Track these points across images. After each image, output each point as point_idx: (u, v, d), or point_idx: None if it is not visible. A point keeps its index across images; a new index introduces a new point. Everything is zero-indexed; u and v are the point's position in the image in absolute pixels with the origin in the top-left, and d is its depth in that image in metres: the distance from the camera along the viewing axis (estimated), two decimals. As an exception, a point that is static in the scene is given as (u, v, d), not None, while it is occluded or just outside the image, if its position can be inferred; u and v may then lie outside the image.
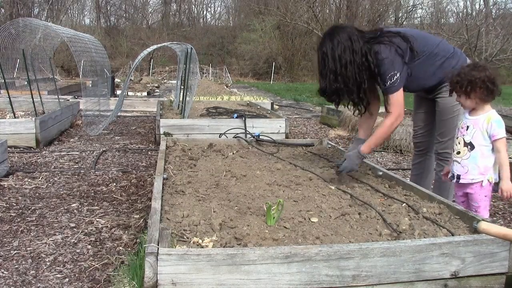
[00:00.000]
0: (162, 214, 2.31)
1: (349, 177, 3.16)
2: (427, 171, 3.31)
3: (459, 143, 2.69)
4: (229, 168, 3.38)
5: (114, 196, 3.82)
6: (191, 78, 6.81)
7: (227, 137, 4.86)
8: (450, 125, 3.04)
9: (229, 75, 26.60)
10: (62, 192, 3.89)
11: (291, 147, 4.29)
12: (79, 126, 7.51)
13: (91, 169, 4.73)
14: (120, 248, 2.77)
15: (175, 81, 13.12)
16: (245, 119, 5.80)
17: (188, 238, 2.07)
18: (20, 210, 3.40)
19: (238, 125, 5.63)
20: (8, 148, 4.70)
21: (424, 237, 2.14)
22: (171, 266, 1.77)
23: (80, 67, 9.55)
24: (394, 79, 2.80)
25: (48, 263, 2.54)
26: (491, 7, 20.92)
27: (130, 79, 17.19)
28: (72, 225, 3.13)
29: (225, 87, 16.32)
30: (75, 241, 2.85)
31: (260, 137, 4.52)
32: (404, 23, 25.59)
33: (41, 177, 4.33)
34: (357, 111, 3.06)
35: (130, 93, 13.98)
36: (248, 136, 4.90)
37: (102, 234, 2.99)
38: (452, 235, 2.16)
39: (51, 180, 4.27)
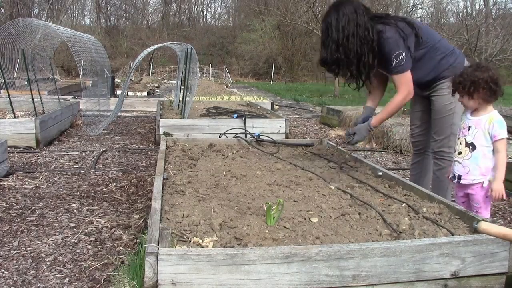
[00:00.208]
0: (162, 214, 2.31)
1: (349, 177, 3.16)
2: (426, 171, 3.31)
3: (460, 144, 2.68)
4: (229, 168, 3.38)
5: (114, 196, 3.82)
6: (191, 78, 6.81)
7: (227, 137, 4.86)
8: (445, 123, 3.06)
9: (229, 75, 26.61)
10: (62, 192, 3.89)
11: (291, 147, 4.29)
12: (79, 126, 7.51)
13: (91, 169, 4.73)
14: (120, 248, 2.77)
15: (175, 81, 13.13)
16: (245, 119, 5.80)
17: (188, 238, 2.07)
18: (20, 210, 3.40)
19: (238, 125, 5.63)
20: (8, 148, 4.70)
21: (424, 237, 2.14)
22: (171, 266, 1.77)
23: (80, 67, 9.55)
24: (400, 58, 2.84)
25: (48, 263, 2.54)
26: (491, 7, 20.91)
27: (130, 79, 17.19)
28: (72, 225, 3.13)
29: (225, 87, 16.33)
30: (75, 241, 2.85)
31: (260, 137, 4.52)
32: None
33: (41, 177, 4.33)
34: (355, 85, 3.11)
35: (130, 93, 13.98)
36: (248, 136, 4.90)
37: (102, 234, 2.99)
38: (452, 235, 2.16)
39: (51, 180, 4.27)
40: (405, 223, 2.32)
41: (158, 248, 1.79)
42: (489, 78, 2.51)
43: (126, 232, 3.02)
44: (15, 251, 2.68)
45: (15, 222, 3.16)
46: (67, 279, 2.36)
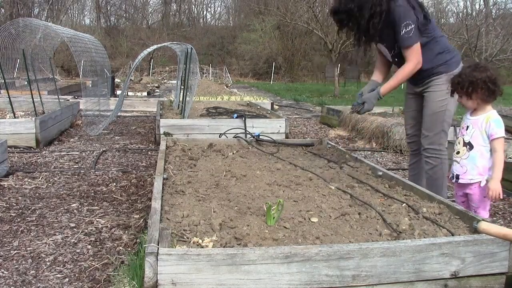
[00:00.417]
0: (162, 214, 2.31)
1: (349, 177, 3.16)
2: (424, 171, 3.32)
3: (459, 143, 2.69)
4: (229, 168, 3.38)
5: (114, 196, 3.82)
6: (191, 78, 6.81)
7: (227, 137, 4.86)
8: (436, 119, 3.07)
9: (229, 75, 26.60)
10: (62, 192, 3.89)
11: (291, 147, 4.29)
12: (79, 126, 7.51)
13: (91, 169, 4.73)
14: (120, 248, 2.77)
15: (175, 81, 13.13)
16: (245, 119, 5.80)
17: (188, 238, 2.07)
18: (20, 210, 3.40)
19: (238, 125, 5.63)
20: (8, 148, 4.70)
21: (424, 237, 2.14)
22: (171, 266, 1.77)
23: (80, 67, 9.55)
24: (409, 28, 2.88)
25: (48, 263, 2.54)
26: (491, 7, 20.90)
27: (130, 79, 17.19)
28: (72, 225, 3.13)
29: (225, 87, 16.33)
30: (75, 241, 2.85)
31: (260, 137, 4.52)
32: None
33: (41, 177, 4.33)
34: (357, 41, 3.15)
35: (130, 93, 13.97)
36: (248, 136, 4.90)
37: (102, 234, 2.99)
38: (452, 235, 2.16)
39: (51, 180, 4.27)
40: (405, 223, 2.32)
41: (158, 248, 1.79)
42: (487, 78, 2.51)
43: (126, 232, 3.02)
44: (15, 251, 2.68)
45: (15, 222, 3.16)
46: (67, 279, 2.36)
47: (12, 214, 3.32)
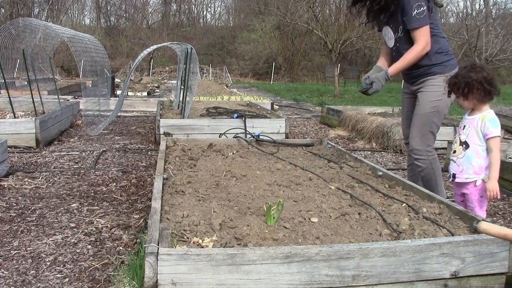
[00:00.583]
0: (162, 214, 2.31)
1: (349, 177, 3.16)
2: None
3: (455, 142, 2.72)
4: (229, 168, 3.38)
5: (114, 196, 3.82)
6: (191, 78, 6.81)
7: (227, 137, 4.86)
8: (426, 120, 3.08)
9: (229, 75, 26.61)
10: (62, 192, 3.89)
11: (291, 147, 4.29)
12: (79, 126, 7.51)
13: (91, 169, 4.73)
14: (120, 248, 2.77)
15: (175, 81, 13.12)
16: (245, 119, 5.80)
17: (188, 238, 2.07)
18: (20, 210, 3.40)
19: (238, 125, 5.63)
20: (8, 148, 4.70)
21: (424, 237, 2.14)
22: (171, 266, 1.77)
23: (80, 67, 9.55)
24: (421, 9, 2.91)
25: (48, 263, 2.54)
26: (491, 7, 20.91)
27: (130, 79, 17.19)
28: (72, 225, 3.13)
29: (225, 87, 16.33)
30: (75, 241, 2.85)
31: (260, 137, 4.52)
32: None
33: (41, 177, 4.33)
34: (369, 19, 3.23)
35: (130, 93, 13.98)
36: (248, 136, 4.90)
37: (102, 234, 2.99)
38: (452, 235, 2.16)
39: (51, 180, 4.27)
40: (405, 223, 2.32)
41: (158, 248, 1.79)
42: (483, 79, 2.52)
43: (126, 232, 3.02)
44: (15, 251, 2.68)
45: (15, 222, 3.16)
46: (67, 279, 2.36)
47: (12, 214, 3.32)
